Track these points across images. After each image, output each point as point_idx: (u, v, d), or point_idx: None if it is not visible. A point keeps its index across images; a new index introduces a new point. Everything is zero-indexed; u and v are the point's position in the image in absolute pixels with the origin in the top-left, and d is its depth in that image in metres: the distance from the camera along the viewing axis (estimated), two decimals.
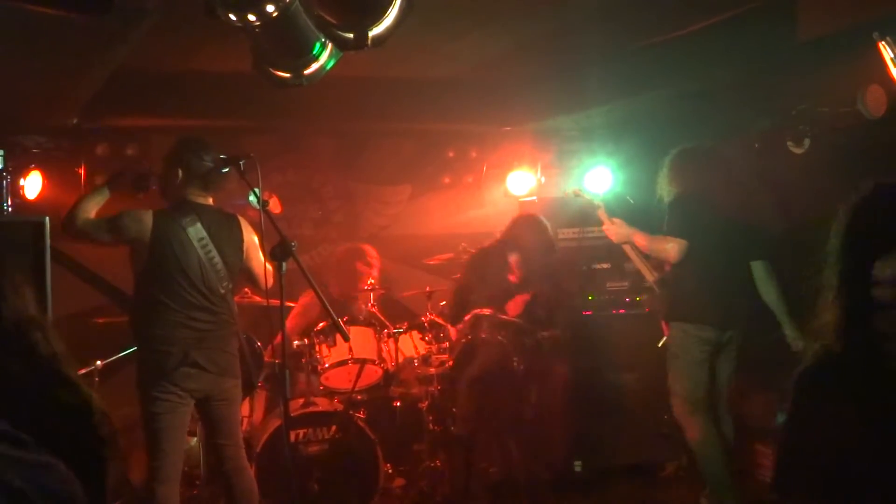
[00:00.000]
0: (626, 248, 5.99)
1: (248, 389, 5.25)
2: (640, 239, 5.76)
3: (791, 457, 2.05)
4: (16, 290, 1.56)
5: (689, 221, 5.47)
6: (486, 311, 6.07)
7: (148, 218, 4.62)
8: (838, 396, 1.99)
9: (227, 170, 4.68)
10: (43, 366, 1.54)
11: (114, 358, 5.63)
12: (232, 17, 3.23)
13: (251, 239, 5.00)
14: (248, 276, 5.09)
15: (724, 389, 5.62)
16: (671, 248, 5.48)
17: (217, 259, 4.76)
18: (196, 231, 4.71)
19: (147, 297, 4.69)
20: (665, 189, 5.64)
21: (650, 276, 5.99)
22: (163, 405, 4.56)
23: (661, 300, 5.90)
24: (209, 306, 4.73)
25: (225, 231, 4.87)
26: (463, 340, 6.14)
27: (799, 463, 2.02)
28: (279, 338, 4.59)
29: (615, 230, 5.94)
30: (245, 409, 5.98)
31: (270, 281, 4.75)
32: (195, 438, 5.64)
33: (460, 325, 6.24)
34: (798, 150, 6.13)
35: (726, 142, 6.39)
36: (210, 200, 4.86)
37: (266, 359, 5.98)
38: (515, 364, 5.95)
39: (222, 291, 4.78)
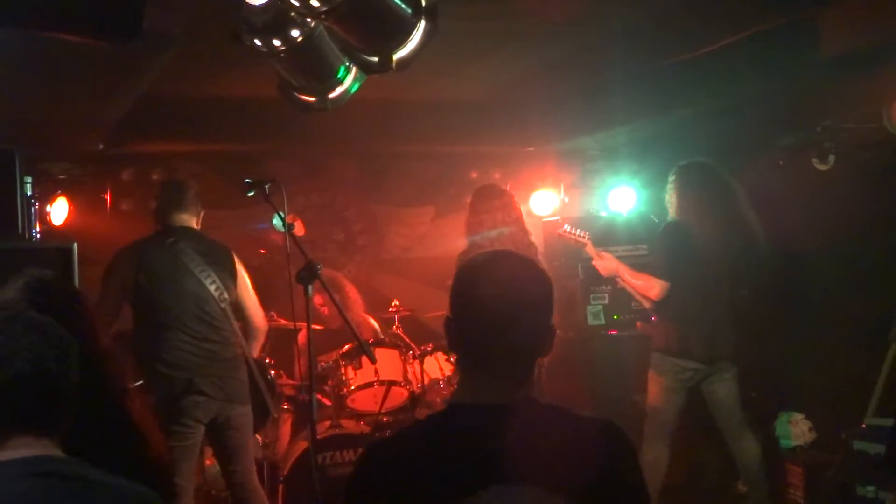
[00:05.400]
0: (619, 279, 5.87)
1: (265, 417, 5.24)
2: (626, 275, 5.71)
3: None
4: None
5: (673, 256, 5.40)
6: None
7: (126, 259, 4.74)
8: None
9: (252, 193, 4.71)
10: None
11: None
12: (257, 42, 3.24)
13: (242, 272, 5.08)
14: (241, 311, 5.10)
15: (730, 411, 5.46)
16: (652, 289, 5.44)
17: (210, 273, 4.83)
18: (180, 248, 4.81)
19: (148, 325, 4.75)
20: (671, 210, 5.55)
21: (647, 304, 5.83)
22: (176, 436, 4.59)
23: (654, 327, 5.77)
24: (210, 321, 4.79)
25: (211, 248, 4.98)
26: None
27: None
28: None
29: (603, 265, 5.87)
30: (267, 434, 5.99)
31: (262, 321, 5.05)
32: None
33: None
34: (823, 167, 6.10)
35: (751, 159, 6.36)
36: (193, 223, 5.00)
37: (292, 381, 5.98)
38: None
39: (222, 305, 4.82)
